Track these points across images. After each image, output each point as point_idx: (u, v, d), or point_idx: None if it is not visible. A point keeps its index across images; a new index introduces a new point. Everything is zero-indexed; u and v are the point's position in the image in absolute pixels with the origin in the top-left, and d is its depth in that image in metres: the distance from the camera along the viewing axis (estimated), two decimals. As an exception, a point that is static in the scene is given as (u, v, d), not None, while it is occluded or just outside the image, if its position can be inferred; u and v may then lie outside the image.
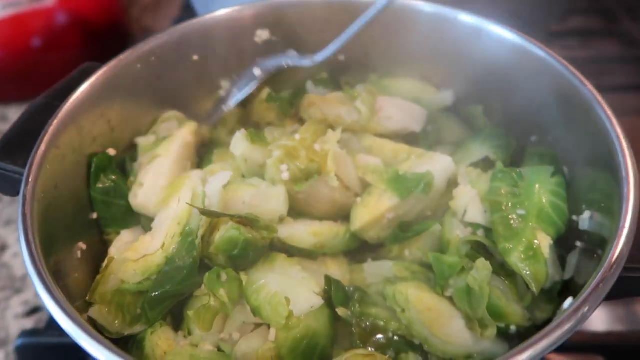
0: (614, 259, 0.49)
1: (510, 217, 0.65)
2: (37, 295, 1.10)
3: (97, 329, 0.62)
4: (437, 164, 0.74)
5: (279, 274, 0.66)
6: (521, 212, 0.65)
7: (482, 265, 0.63)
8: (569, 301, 0.47)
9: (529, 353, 0.43)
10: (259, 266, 0.68)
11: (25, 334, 0.89)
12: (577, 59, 0.78)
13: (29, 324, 1.01)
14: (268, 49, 0.89)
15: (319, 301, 0.63)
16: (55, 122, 0.66)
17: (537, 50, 0.72)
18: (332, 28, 0.81)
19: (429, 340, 0.63)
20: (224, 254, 0.66)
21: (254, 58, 0.89)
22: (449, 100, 0.87)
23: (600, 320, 0.86)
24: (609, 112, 0.62)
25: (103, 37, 1.50)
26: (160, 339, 0.63)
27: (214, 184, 0.70)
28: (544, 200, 0.66)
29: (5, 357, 0.97)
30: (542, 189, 0.67)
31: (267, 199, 0.72)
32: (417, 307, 0.64)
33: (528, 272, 0.62)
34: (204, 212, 0.65)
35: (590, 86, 0.65)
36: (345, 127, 0.80)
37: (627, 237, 0.50)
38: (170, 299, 0.65)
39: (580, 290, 0.49)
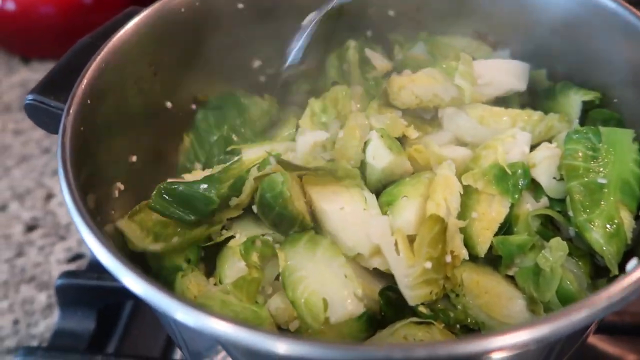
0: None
1: (589, 185, 0.59)
2: (79, 242, 1.14)
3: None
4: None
5: (320, 264, 0.60)
6: (602, 180, 0.59)
7: (557, 245, 0.58)
8: (633, 262, 0.42)
9: (584, 312, 0.39)
10: (300, 247, 0.62)
11: (65, 274, 0.91)
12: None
13: (70, 268, 1.04)
14: (314, 1, 0.86)
15: (359, 309, 0.57)
16: (97, 60, 0.66)
17: (607, 1, 0.66)
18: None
19: (486, 324, 0.58)
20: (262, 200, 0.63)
21: (298, 11, 0.85)
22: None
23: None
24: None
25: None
26: (190, 282, 0.62)
27: (305, 138, 0.68)
28: (628, 170, 0.59)
29: (47, 298, 1.00)
30: (625, 155, 0.60)
31: None
32: (474, 291, 0.59)
33: (611, 252, 0.56)
34: (280, 162, 0.62)
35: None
36: (444, 105, 0.73)
37: None
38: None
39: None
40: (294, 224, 0.63)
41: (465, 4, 0.82)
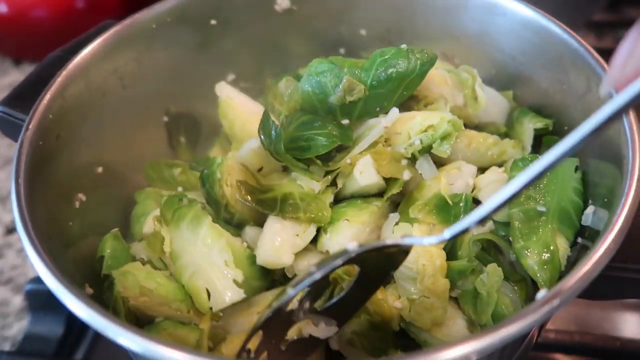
0: (597, 255, 0.45)
1: (529, 212, 0.60)
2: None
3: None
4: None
5: (202, 248, 0.63)
6: (541, 208, 0.61)
7: (494, 271, 0.60)
8: (542, 292, 0.44)
9: (485, 340, 0.41)
10: (184, 227, 0.65)
11: (35, 280, 0.93)
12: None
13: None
14: (288, 18, 0.88)
15: (239, 296, 0.60)
16: (63, 74, 0.67)
17: (558, 31, 0.68)
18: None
19: (427, 341, 0.61)
20: None
21: (273, 26, 0.88)
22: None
23: (633, 327, 0.81)
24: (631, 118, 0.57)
25: (144, 2, 1.53)
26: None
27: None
28: (567, 199, 0.61)
29: (22, 301, 1.01)
30: (566, 184, 0.62)
31: None
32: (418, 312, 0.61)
33: (543, 279, 0.58)
34: None
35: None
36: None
37: (618, 232, 0.46)
38: None
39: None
40: (219, 207, 0.67)
41: (433, 28, 0.84)
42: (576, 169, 0.63)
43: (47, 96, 0.64)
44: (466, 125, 0.72)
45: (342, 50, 0.92)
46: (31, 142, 0.60)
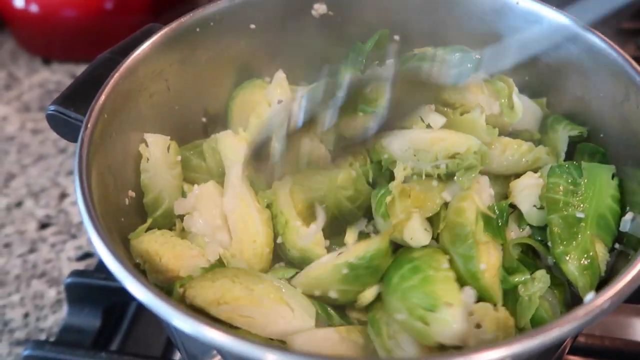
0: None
1: (568, 218, 0.62)
2: (89, 241, 1.19)
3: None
4: None
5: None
6: (580, 215, 0.62)
7: (541, 277, 0.61)
8: (590, 295, 0.46)
9: (530, 343, 0.43)
10: None
11: (74, 273, 0.96)
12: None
13: (80, 266, 1.09)
14: (324, 22, 0.90)
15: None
16: (115, 75, 0.70)
17: (596, 40, 0.70)
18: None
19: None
20: None
21: (309, 31, 0.90)
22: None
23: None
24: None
25: (171, 4, 1.55)
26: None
27: None
28: (605, 205, 0.62)
29: (57, 294, 1.05)
30: (603, 191, 0.63)
31: None
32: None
33: (584, 283, 0.59)
34: None
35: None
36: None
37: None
38: None
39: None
40: None
41: (467, 34, 0.85)
42: (613, 176, 0.65)
43: (102, 97, 0.67)
44: (500, 133, 0.74)
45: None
46: (89, 140, 0.62)
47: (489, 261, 0.62)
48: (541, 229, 0.65)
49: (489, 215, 0.64)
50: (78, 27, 1.50)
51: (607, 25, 0.92)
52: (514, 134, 0.78)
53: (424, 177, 0.68)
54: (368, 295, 0.63)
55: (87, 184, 0.58)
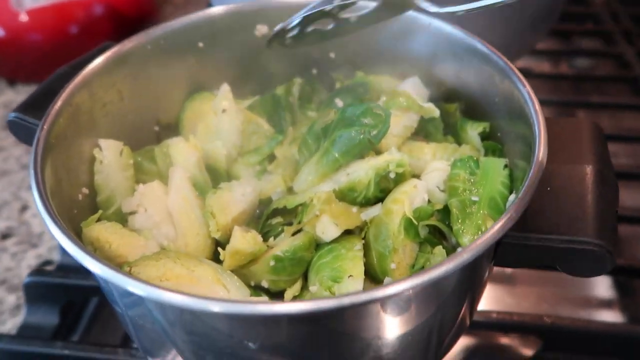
0: (502, 222, 0.58)
1: (464, 201, 0.73)
2: (49, 250, 1.23)
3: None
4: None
5: None
6: (475, 198, 0.73)
7: (439, 252, 0.71)
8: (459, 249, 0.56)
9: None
10: None
11: (33, 273, 1.01)
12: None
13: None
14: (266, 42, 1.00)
15: None
16: (70, 86, 0.78)
17: (489, 53, 0.81)
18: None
19: None
20: None
21: (253, 49, 1.00)
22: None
23: (537, 302, 0.94)
24: (539, 118, 0.70)
25: (134, 30, 1.64)
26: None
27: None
28: (496, 190, 0.73)
29: (16, 299, 1.09)
30: (495, 179, 0.74)
31: None
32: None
33: None
34: None
35: (528, 90, 0.74)
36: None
37: (517, 206, 0.59)
38: None
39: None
40: None
41: (389, 52, 0.97)
42: (505, 166, 0.76)
43: (58, 103, 0.75)
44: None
45: (314, 71, 1.05)
46: (45, 140, 0.70)
47: (401, 261, 0.72)
48: (447, 212, 0.75)
49: (412, 221, 0.73)
50: (44, 50, 1.56)
51: (523, 45, 1.04)
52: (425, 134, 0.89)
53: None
54: (294, 290, 0.73)
55: (42, 176, 0.66)
